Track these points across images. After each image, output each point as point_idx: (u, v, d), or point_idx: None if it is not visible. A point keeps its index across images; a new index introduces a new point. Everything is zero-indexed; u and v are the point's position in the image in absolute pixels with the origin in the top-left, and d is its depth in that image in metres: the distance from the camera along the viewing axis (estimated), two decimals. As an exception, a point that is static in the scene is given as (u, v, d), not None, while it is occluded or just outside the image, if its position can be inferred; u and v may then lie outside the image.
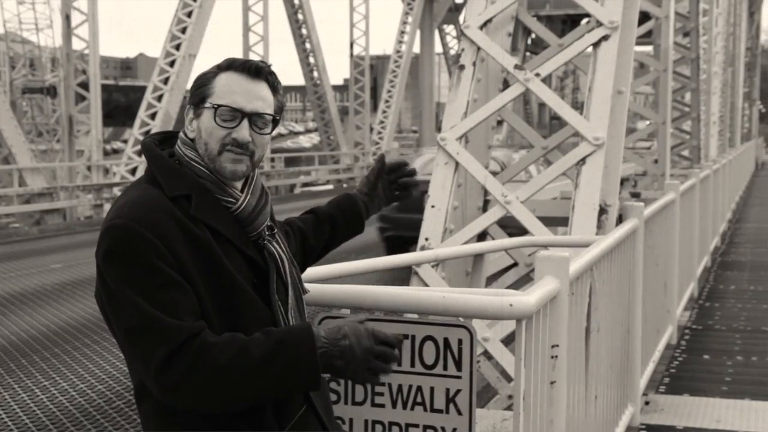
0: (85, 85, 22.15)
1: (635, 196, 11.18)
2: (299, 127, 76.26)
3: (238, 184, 2.07)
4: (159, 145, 2.10)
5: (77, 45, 22.43)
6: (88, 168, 22.00)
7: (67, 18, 22.19)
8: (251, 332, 1.90)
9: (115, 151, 41.41)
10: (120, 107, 54.66)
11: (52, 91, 33.72)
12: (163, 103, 23.29)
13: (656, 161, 14.15)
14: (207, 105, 2.02)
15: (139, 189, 2.00)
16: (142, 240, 1.87)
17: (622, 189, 7.02)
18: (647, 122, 16.06)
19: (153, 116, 23.29)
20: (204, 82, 2.05)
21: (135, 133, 23.32)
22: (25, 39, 37.38)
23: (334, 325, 1.91)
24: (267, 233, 2.10)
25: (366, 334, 1.90)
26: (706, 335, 7.75)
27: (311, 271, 2.69)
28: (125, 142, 29.18)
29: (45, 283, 11.92)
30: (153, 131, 23.05)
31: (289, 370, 1.85)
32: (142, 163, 22.70)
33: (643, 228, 5.02)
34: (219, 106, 2.01)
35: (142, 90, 26.44)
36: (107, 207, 21.59)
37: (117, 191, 22.20)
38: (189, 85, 22.75)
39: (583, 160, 5.54)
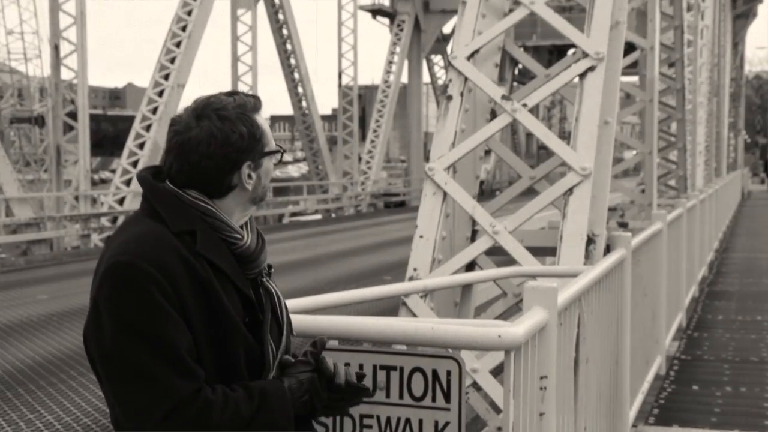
0: (73, 115, 22.14)
1: (623, 225, 11.20)
2: (288, 157, 76.40)
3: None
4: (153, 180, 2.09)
5: (66, 75, 22.46)
6: (76, 198, 21.93)
7: (56, 48, 22.22)
8: (240, 371, 1.95)
9: (103, 181, 41.35)
10: (108, 137, 54.67)
11: (40, 121, 33.70)
12: (151, 133, 23.29)
13: (643, 191, 14.22)
14: (267, 152, 2.06)
15: (141, 224, 1.97)
16: (149, 279, 1.85)
17: (609, 218, 7.04)
18: (634, 152, 16.14)
19: (141, 146, 23.28)
20: (258, 133, 2.03)
21: (123, 162, 23.29)
22: (13, 69, 37.42)
23: (296, 382, 1.99)
24: (266, 271, 2.10)
25: (321, 389, 2.00)
26: (695, 366, 7.75)
27: (299, 302, 2.68)
28: (113, 171, 29.14)
29: (31, 314, 11.83)
30: (141, 161, 23.04)
31: (269, 427, 1.93)
32: (130, 193, 22.66)
33: (631, 258, 5.03)
34: (281, 150, 2.09)
35: (130, 120, 26.45)
36: (94, 237, 21.49)
37: (105, 221, 22.13)
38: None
39: (570, 190, 5.56)
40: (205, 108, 2.01)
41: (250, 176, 2.03)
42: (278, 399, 1.95)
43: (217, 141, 1.98)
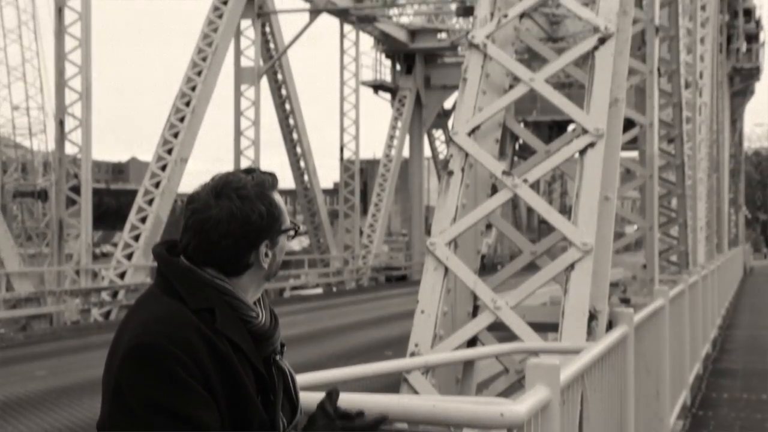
0: (76, 189, 22.26)
1: (625, 301, 11.16)
2: (289, 231, 76.50)
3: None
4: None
5: (70, 149, 22.65)
6: (77, 272, 21.90)
7: (61, 123, 22.45)
8: None
9: (105, 255, 41.35)
10: (110, 211, 54.87)
11: (43, 195, 33.88)
12: (153, 207, 23.39)
13: (645, 266, 14.19)
14: (283, 229, 2.06)
15: (159, 302, 1.96)
16: (174, 359, 1.84)
17: (611, 294, 7.01)
18: (635, 227, 16.15)
19: (143, 220, 23.34)
20: (276, 212, 2.04)
21: (125, 236, 23.32)
22: (18, 144, 37.76)
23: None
24: (278, 350, 2.10)
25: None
26: (701, 444, 7.63)
27: (301, 378, 2.66)
28: (115, 245, 29.17)
29: (29, 391, 11.70)
30: (143, 235, 23.09)
31: None
32: (131, 267, 22.64)
33: (634, 334, 5.00)
34: (296, 228, 2.10)
35: (133, 194, 26.60)
36: (95, 312, 21.40)
37: (105, 295, 22.05)
38: (179, 189, 22.77)
39: (572, 266, 5.55)
40: (224, 186, 2.00)
41: (266, 254, 2.04)
42: None
43: (237, 221, 1.97)
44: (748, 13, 41.44)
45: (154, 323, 1.89)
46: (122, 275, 22.73)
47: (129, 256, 22.95)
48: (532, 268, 6.72)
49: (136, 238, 23.12)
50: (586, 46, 6.29)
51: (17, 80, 37.68)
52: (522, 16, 6.94)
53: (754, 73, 42.73)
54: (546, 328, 6.72)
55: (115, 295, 22.19)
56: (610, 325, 5.49)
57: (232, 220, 1.97)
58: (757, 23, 43.11)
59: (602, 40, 6.16)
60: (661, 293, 6.99)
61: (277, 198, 2.06)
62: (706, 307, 12.43)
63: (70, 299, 21.28)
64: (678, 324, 8.23)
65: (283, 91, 32.47)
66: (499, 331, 6.06)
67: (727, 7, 34.32)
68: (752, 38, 42.38)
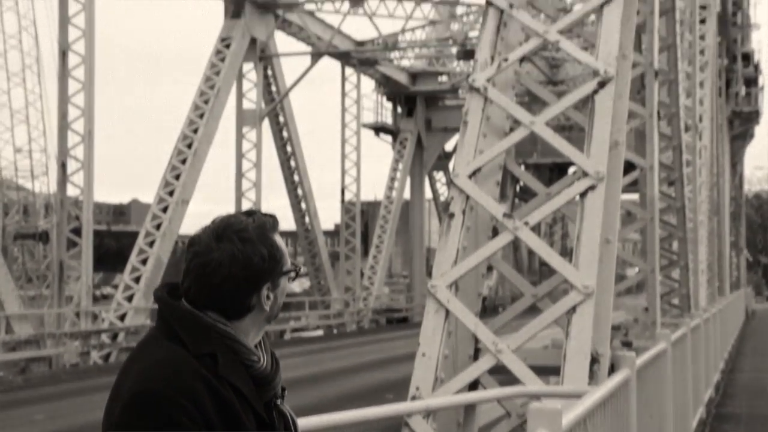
0: (77, 231, 22.26)
1: (627, 344, 11.11)
2: (289, 273, 76.37)
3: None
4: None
5: (72, 191, 22.69)
6: (77, 314, 21.84)
7: (63, 166, 22.52)
8: None
9: (105, 297, 41.26)
10: (111, 252, 54.79)
11: (44, 237, 33.91)
12: (154, 249, 23.38)
13: (646, 309, 14.14)
14: (284, 271, 2.05)
15: (161, 347, 1.95)
16: (177, 407, 1.83)
17: (613, 337, 6.99)
18: (636, 269, 16.12)
19: (144, 262, 23.33)
20: (278, 255, 2.03)
21: (125, 278, 23.29)
22: (20, 186, 37.87)
23: None
24: (280, 393, 2.09)
25: None
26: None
27: (302, 422, 2.64)
28: (115, 287, 29.14)
29: (26, 432, 11.62)
30: (144, 277, 23.06)
31: None
32: (131, 309, 22.58)
33: (636, 378, 4.97)
34: (297, 269, 2.08)
35: (134, 235, 26.62)
36: (94, 354, 21.29)
37: (105, 338, 21.96)
38: (181, 230, 22.71)
39: (573, 309, 5.54)
40: (225, 229, 2.00)
41: (268, 297, 2.03)
42: None
43: (239, 264, 1.97)
44: (747, 57, 41.75)
45: (156, 370, 1.88)
46: (122, 317, 22.66)
47: (129, 298, 22.90)
48: (533, 310, 6.70)
49: (137, 279, 23.09)
50: (585, 90, 6.33)
51: (20, 123, 37.93)
52: (522, 60, 7.00)
53: (753, 117, 42.94)
54: (548, 371, 6.68)
55: (114, 337, 22.09)
56: (612, 369, 5.46)
57: (234, 263, 1.96)
58: (756, 68, 43.42)
59: (602, 84, 6.20)
60: (663, 337, 6.96)
61: (279, 240, 2.06)
62: (709, 350, 12.37)
63: (70, 342, 21.18)
64: (680, 368, 8.18)
65: (285, 133, 32.62)
66: (501, 374, 6.03)
67: (725, 51, 34.60)
68: (751, 82, 42.66)
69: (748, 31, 42.39)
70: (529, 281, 7.50)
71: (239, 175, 30.09)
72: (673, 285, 16.98)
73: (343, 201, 37.65)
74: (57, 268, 22.84)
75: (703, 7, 21.93)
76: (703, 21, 21.97)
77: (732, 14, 36.27)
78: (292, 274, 2.09)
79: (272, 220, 2.06)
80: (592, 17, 7.37)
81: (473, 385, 6.09)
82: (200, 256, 1.97)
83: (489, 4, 6.81)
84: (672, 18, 13.25)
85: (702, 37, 21.81)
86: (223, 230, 1.99)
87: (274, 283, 2.03)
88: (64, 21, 22.32)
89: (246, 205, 29.49)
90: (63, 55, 22.47)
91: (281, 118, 32.42)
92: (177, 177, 24.41)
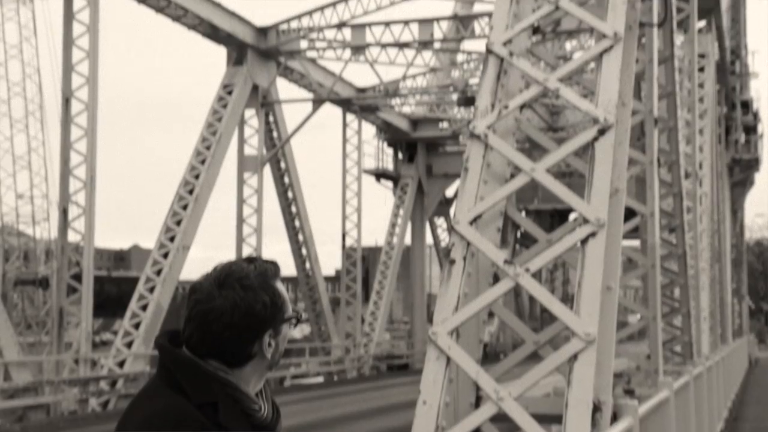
0: (78, 277, 22.23)
1: (629, 392, 11.02)
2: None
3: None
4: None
5: (72, 237, 22.70)
6: (76, 361, 21.72)
7: (64, 211, 22.56)
8: None
9: (104, 343, 41.09)
10: (111, 298, 54.67)
11: (44, 283, 33.84)
12: (154, 295, 23.33)
13: (648, 357, 14.06)
14: (286, 318, 2.05)
15: (162, 396, 1.94)
16: None
17: (615, 385, 6.94)
18: (638, 316, 16.06)
19: (144, 308, 23.26)
20: (279, 302, 2.03)
21: (125, 324, 23.21)
22: (21, 231, 37.91)
23: None
24: None
25: None
26: None
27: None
28: (115, 333, 29.02)
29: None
30: (143, 323, 22.97)
31: None
32: (131, 356, 22.45)
33: (639, 427, 4.93)
34: (299, 316, 2.09)
35: (134, 281, 26.57)
36: (93, 402, 21.12)
37: (104, 384, 21.81)
38: (181, 276, 22.68)
39: (575, 356, 5.50)
40: (227, 277, 1.99)
41: (270, 344, 2.03)
42: None
43: (241, 311, 1.96)
44: (746, 105, 41.99)
45: (157, 420, 1.87)
46: (121, 364, 22.53)
47: (129, 345, 22.79)
48: (535, 357, 6.66)
49: (137, 326, 23.00)
50: (586, 137, 6.36)
51: (22, 169, 38.06)
52: (522, 107, 7.04)
53: (753, 164, 43.08)
54: (550, 419, 6.62)
55: (113, 384, 21.95)
56: (615, 417, 5.42)
57: (236, 310, 1.96)
58: (755, 115, 43.65)
59: (602, 131, 6.23)
60: (666, 385, 6.91)
61: (280, 287, 2.06)
62: (712, 399, 12.28)
63: (68, 389, 21.04)
64: (683, 416, 8.11)
65: (286, 179, 32.73)
66: (503, 422, 5.97)
67: (724, 99, 34.82)
68: (750, 130, 42.85)
69: (747, 79, 42.72)
70: (531, 327, 7.47)
71: (240, 220, 30.13)
72: (675, 332, 16.90)
73: (344, 246, 37.63)
74: (56, 314, 22.77)
75: (701, 56, 22.11)
76: (701, 69, 22.15)
77: (730, 63, 36.56)
78: (294, 321, 2.09)
79: (274, 267, 2.06)
80: (592, 65, 7.43)
81: (474, 434, 6.03)
82: (202, 304, 1.97)
83: (489, 52, 6.86)
84: (671, 66, 13.36)
85: (701, 85, 21.97)
86: (225, 278, 1.99)
87: (276, 330, 2.03)
88: (68, 69, 22.50)
89: (246, 251, 29.49)
90: (66, 102, 22.62)
91: (282, 164, 32.54)
92: (178, 222, 24.44)
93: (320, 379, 32.83)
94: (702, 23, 23.39)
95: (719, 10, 25.84)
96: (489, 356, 35.19)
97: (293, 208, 33.12)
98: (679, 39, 17.13)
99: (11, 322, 22.80)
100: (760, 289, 72.49)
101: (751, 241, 69.69)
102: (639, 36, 9.25)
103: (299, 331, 62.83)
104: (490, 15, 25.27)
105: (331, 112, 37.17)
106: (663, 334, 14.57)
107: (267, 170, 31.31)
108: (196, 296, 1.99)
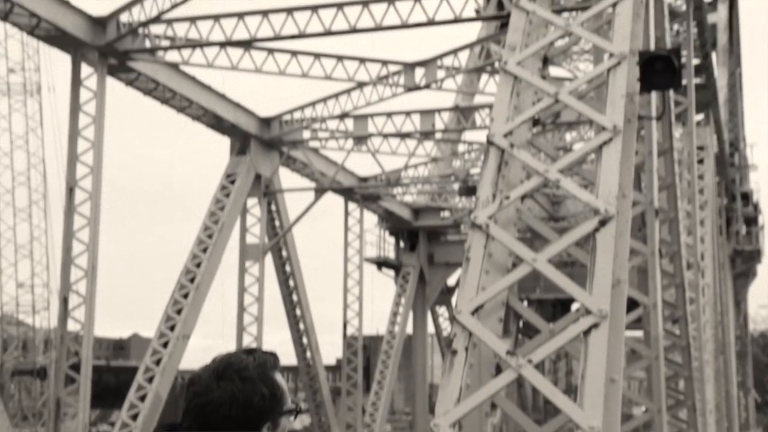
0: (76, 367, 22.00)
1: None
2: (290, 410, 75.12)
3: None
4: None
5: (72, 326, 22.55)
6: (71, 452, 21.36)
7: (65, 300, 22.47)
8: None
9: (101, 434, 40.50)
10: (110, 388, 54.04)
11: (42, 373, 33.51)
12: (153, 385, 23.06)
13: (654, 449, 13.81)
14: (285, 410, 2.05)
15: None
16: None
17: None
18: (642, 408, 15.85)
19: (142, 398, 22.96)
20: (278, 394, 2.01)
21: (123, 415, 22.87)
22: (20, 321, 37.74)
23: None
24: None
25: None
26: None
27: None
28: (112, 424, 28.64)
29: None
30: (141, 413, 22.63)
31: None
32: (127, 447, 22.10)
33: None
34: (298, 409, 2.10)
35: (133, 371, 26.29)
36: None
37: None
38: (180, 366, 22.44)
39: (579, 450, 5.41)
40: (226, 368, 1.97)
41: None
42: None
43: (239, 404, 1.94)
44: (746, 197, 42.22)
45: None
46: (118, 455, 22.16)
47: (127, 436, 22.44)
48: (538, 451, 6.55)
49: (135, 417, 22.67)
50: (587, 228, 6.38)
51: (24, 258, 38.10)
52: (523, 197, 7.08)
53: (755, 256, 43.09)
54: None
55: (109, 476, 21.57)
56: None
57: (234, 403, 1.94)
58: (755, 207, 43.85)
59: (603, 222, 6.25)
60: (672, 479, 6.78)
61: (279, 379, 2.03)
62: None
63: (63, 481, 20.65)
64: None
65: (287, 267, 32.70)
66: None
67: (725, 190, 35.05)
68: (751, 221, 42.99)
69: (746, 171, 43.06)
70: (534, 419, 7.37)
71: (241, 309, 29.97)
72: (681, 425, 16.64)
73: (345, 335, 37.33)
74: (53, 405, 22.48)
75: (700, 148, 22.34)
76: (701, 161, 22.35)
77: (729, 155, 36.94)
78: (293, 414, 2.06)
79: (273, 359, 2.04)
80: (592, 156, 7.50)
81: None
82: (200, 396, 1.95)
83: (490, 143, 6.94)
84: (670, 158, 13.49)
85: (701, 177, 22.15)
86: (223, 369, 1.98)
87: (275, 423, 2.00)
88: (72, 159, 22.71)
89: (247, 340, 29.26)
90: (70, 191, 22.77)
91: (284, 252, 32.55)
92: (179, 311, 24.31)
93: (320, 472, 32.21)
94: (700, 116, 23.72)
95: (717, 103, 26.23)
96: (492, 449, 34.51)
97: (294, 297, 32.98)
98: (677, 132, 17.33)
99: (7, 414, 22.48)
100: (766, 382, 71.62)
101: (755, 333, 69.19)
102: (638, 128, 9.37)
103: (299, 422, 61.95)
104: (490, 106, 25.62)
105: (333, 200, 37.49)
106: (668, 428, 14.36)
107: (268, 258, 31.32)
108: (194, 388, 1.97)
